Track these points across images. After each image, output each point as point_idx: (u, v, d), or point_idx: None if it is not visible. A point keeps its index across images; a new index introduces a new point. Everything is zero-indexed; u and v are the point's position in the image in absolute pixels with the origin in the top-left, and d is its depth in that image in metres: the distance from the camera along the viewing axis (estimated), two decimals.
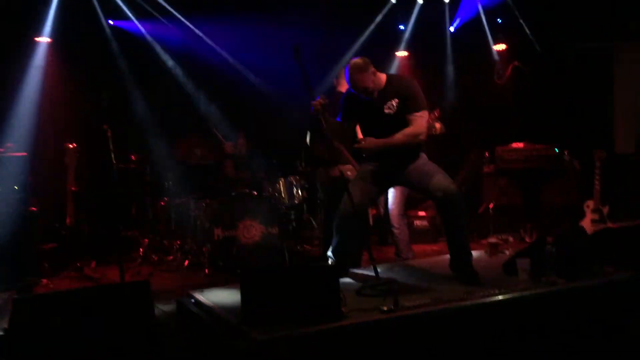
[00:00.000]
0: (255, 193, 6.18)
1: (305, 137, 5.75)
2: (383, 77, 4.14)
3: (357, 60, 4.10)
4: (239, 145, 6.74)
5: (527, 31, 7.36)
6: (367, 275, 4.01)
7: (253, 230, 5.87)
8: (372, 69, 4.05)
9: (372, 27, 7.49)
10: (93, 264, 5.81)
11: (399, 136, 4.03)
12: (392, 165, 4.19)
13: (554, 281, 3.70)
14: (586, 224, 6.11)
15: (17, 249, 5.23)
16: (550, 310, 3.61)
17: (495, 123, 7.80)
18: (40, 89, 6.19)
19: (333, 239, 4.38)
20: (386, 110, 4.06)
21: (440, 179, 4.05)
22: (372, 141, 4.09)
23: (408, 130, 4.03)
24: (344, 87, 5.36)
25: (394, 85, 4.11)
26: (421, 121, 4.06)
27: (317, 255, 6.29)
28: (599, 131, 7.33)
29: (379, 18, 7.47)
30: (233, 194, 5.96)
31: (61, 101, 6.50)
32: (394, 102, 4.05)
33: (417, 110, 4.04)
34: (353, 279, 4.14)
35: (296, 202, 6.28)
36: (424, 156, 4.23)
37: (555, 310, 3.62)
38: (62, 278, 5.58)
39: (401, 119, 4.05)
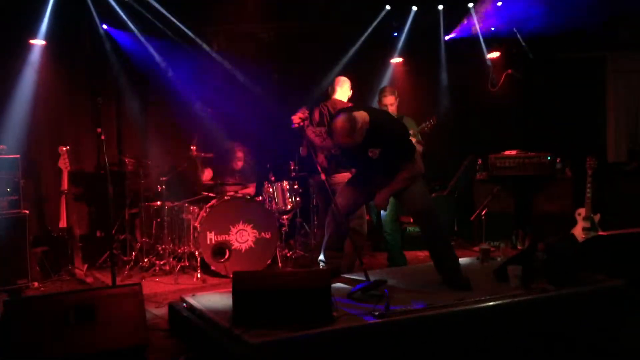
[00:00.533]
0: (249, 197, 6.19)
1: (300, 148, 5.80)
2: (365, 117, 3.93)
3: (343, 122, 3.88)
4: (238, 160, 6.71)
5: (521, 40, 7.41)
6: (359, 280, 4.02)
7: (246, 235, 5.88)
8: (359, 124, 3.85)
9: (366, 34, 7.51)
10: (85, 268, 5.79)
11: (401, 178, 4.11)
12: (378, 187, 4.26)
13: (544, 288, 3.72)
14: (577, 231, 6.14)
15: (8, 251, 5.22)
16: (540, 316, 3.63)
17: (488, 130, 7.84)
18: (34, 92, 6.17)
19: (324, 245, 4.42)
20: (370, 154, 4.03)
21: (417, 199, 4.18)
22: (383, 196, 4.15)
23: (405, 175, 4.10)
24: (338, 94, 5.40)
25: (377, 132, 3.94)
26: (412, 166, 4.15)
27: (309, 261, 6.30)
28: (591, 139, 7.38)
29: (373, 25, 7.49)
30: (226, 198, 5.97)
31: (55, 104, 6.48)
32: (377, 151, 3.99)
33: (407, 161, 4.12)
34: (345, 283, 4.15)
35: (289, 207, 6.29)
36: (408, 168, 4.17)
37: (545, 317, 3.64)
38: (53, 281, 5.57)
39: (385, 161, 4.06)
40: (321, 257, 4.50)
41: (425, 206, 4.20)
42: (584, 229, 6.14)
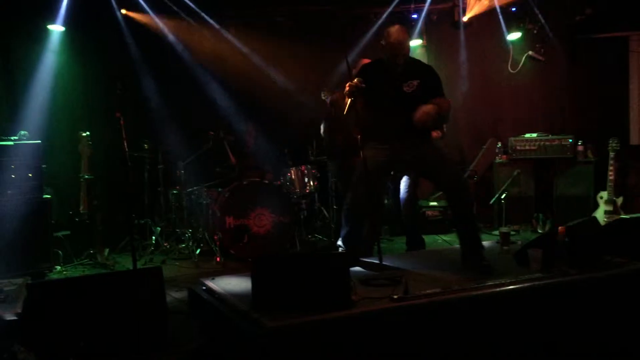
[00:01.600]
0: (267, 182, 6.20)
1: (320, 127, 5.77)
2: None
3: (403, 26, 4.17)
4: (247, 137, 6.73)
5: (542, 21, 7.27)
6: (378, 264, 4.01)
7: (264, 219, 5.90)
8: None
9: (384, 15, 7.43)
10: (106, 252, 5.86)
11: (444, 104, 4.08)
12: (404, 148, 4.15)
13: (565, 271, 3.67)
14: (599, 214, 6.07)
15: (30, 236, 5.30)
16: (561, 300, 3.59)
17: (508, 113, 7.74)
18: (54, 77, 6.21)
19: (343, 228, 4.40)
20: (405, 89, 4.09)
21: (450, 170, 4.12)
22: (425, 110, 3.98)
23: (447, 103, 4.12)
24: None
25: (416, 66, 4.21)
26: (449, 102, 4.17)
27: (327, 245, 6.31)
28: (613, 122, 7.25)
29: (391, 7, 7.40)
30: (245, 182, 5.98)
31: (74, 89, 6.53)
32: (415, 82, 4.09)
33: (443, 97, 4.16)
34: (363, 267, 4.15)
35: (307, 191, 6.29)
36: (433, 142, 4.29)
37: (566, 301, 3.60)
38: (75, 265, 5.64)
39: (417, 100, 4.05)
40: (339, 241, 4.49)
41: (459, 177, 4.16)
42: (606, 212, 6.07)
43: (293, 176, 6.27)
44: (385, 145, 4.18)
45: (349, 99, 3.96)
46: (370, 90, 4.11)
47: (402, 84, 4.10)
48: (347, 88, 3.97)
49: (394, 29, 4.14)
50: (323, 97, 5.90)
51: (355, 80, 4.00)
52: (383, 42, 4.17)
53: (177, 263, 5.80)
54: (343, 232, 4.40)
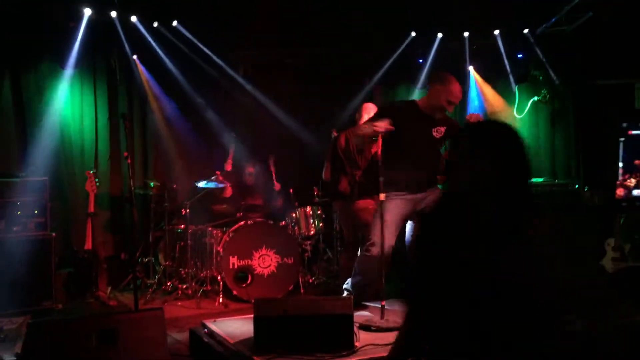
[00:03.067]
0: (272, 222, 6.19)
1: (323, 170, 5.79)
2: None
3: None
4: (247, 175, 6.76)
5: (548, 67, 7.36)
6: (382, 309, 3.96)
7: (269, 260, 5.86)
8: None
9: (391, 60, 7.54)
10: (108, 290, 5.82)
11: None
12: (423, 198, 4.24)
13: (572, 321, 3.61)
14: (607, 262, 6.00)
15: (34, 273, 5.27)
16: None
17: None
18: (63, 115, 6.29)
19: (355, 275, 4.35)
20: (434, 133, 4.14)
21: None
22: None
23: None
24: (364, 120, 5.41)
25: (443, 116, 4.27)
26: None
27: (332, 287, 6.24)
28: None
29: (398, 51, 7.51)
30: (249, 222, 5.97)
31: (83, 127, 6.59)
32: (442, 129, 4.15)
33: None
34: (368, 312, 4.10)
35: (312, 232, 6.27)
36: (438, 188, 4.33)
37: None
38: (77, 303, 5.59)
39: (440, 146, 4.20)
40: (346, 285, 4.45)
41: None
42: (613, 259, 6.00)
43: (298, 217, 6.26)
44: (409, 196, 4.20)
45: (378, 138, 3.95)
46: (399, 133, 4.04)
47: (431, 128, 4.15)
48: (376, 128, 3.91)
49: (454, 79, 4.11)
50: (334, 136, 5.92)
51: (385, 122, 3.94)
52: (439, 86, 4.08)
53: (180, 303, 5.75)
54: (355, 279, 4.36)
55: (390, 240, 4.16)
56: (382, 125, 3.90)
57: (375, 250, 4.19)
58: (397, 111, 4.17)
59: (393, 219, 4.11)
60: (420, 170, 4.17)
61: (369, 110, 5.39)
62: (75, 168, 6.43)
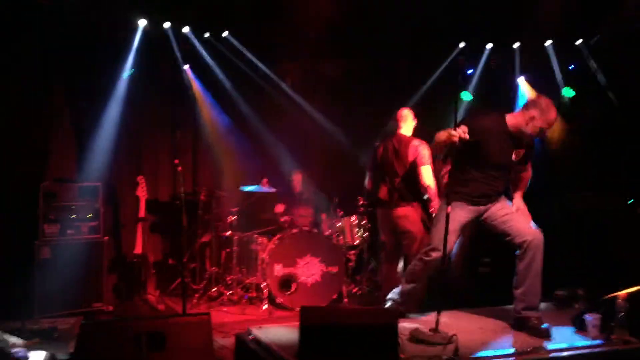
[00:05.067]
0: (316, 231, 6.21)
1: (365, 179, 5.80)
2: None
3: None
4: (294, 183, 6.83)
5: (602, 79, 7.17)
6: (427, 321, 3.92)
7: (313, 269, 5.89)
8: None
9: (439, 70, 7.48)
10: (157, 294, 5.95)
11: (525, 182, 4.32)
12: (485, 210, 4.16)
13: (627, 340, 3.51)
14: None
15: (86, 275, 5.46)
16: None
17: (566, 170, 7.57)
18: (118, 123, 6.46)
19: (407, 283, 4.31)
20: (514, 155, 4.06)
21: (526, 224, 4.06)
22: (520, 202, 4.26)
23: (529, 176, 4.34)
24: (403, 130, 5.41)
25: (526, 135, 4.05)
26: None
27: (376, 297, 6.22)
28: None
29: (447, 61, 7.46)
30: (295, 231, 6.01)
31: (136, 135, 6.78)
32: (522, 152, 4.09)
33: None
34: (413, 324, 4.06)
35: (357, 242, 6.26)
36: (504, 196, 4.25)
37: None
38: (127, 306, 5.73)
39: (511, 167, 4.15)
40: (392, 295, 4.42)
41: (537, 232, 4.00)
42: None
43: (343, 226, 6.26)
44: (473, 207, 4.13)
45: (449, 143, 3.85)
46: (478, 144, 3.93)
47: (513, 150, 4.05)
48: (452, 137, 3.76)
49: (553, 107, 3.94)
50: (375, 145, 5.92)
51: (462, 129, 3.80)
52: (536, 113, 3.88)
53: (225, 309, 5.82)
54: (407, 287, 4.32)
55: (449, 246, 4.09)
56: (458, 133, 3.75)
57: (435, 255, 4.10)
58: (482, 122, 4.02)
59: (454, 227, 4.00)
60: (491, 185, 4.09)
61: (405, 117, 5.43)
62: (126, 174, 6.60)
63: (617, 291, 3.69)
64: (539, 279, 3.95)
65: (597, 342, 3.54)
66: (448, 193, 4.04)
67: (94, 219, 5.65)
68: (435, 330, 3.64)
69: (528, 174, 4.33)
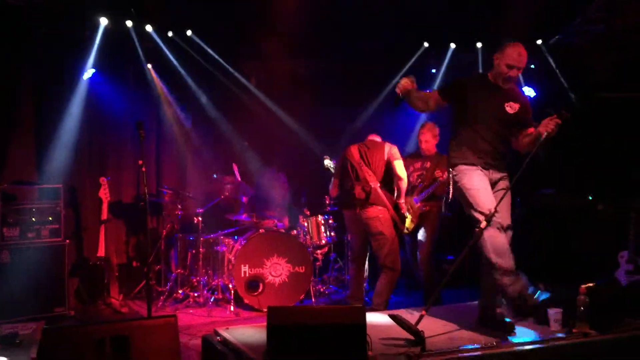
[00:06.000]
0: (283, 231, 6.20)
1: (330, 186, 5.83)
2: None
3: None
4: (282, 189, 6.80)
5: (561, 78, 7.35)
6: (395, 318, 3.94)
7: (280, 269, 5.87)
8: None
9: (403, 70, 7.56)
10: (120, 297, 5.85)
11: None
12: (489, 171, 3.96)
13: (586, 333, 3.60)
14: (620, 275, 5.95)
15: (47, 279, 5.33)
16: None
17: (527, 169, 7.71)
18: (78, 123, 6.34)
19: (503, 277, 3.79)
20: (507, 109, 3.93)
21: (508, 217, 3.92)
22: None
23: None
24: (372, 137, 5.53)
25: (516, 90, 4.07)
26: None
27: (343, 296, 6.25)
28: (634, 180, 7.19)
29: (411, 61, 7.54)
30: (261, 231, 5.99)
31: (97, 135, 6.65)
32: (516, 105, 3.94)
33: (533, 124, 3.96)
34: (381, 321, 4.09)
35: (323, 242, 6.28)
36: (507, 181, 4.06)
37: None
38: (90, 310, 5.63)
39: (511, 124, 3.97)
40: (500, 302, 4.06)
41: (510, 225, 3.89)
42: (627, 272, 5.95)
43: (310, 226, 6.27)
44: (480, 170, 3.94)
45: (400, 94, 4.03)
46: (462, 100, 3.98)
47: (504, 103, 3.96)
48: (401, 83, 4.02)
49: (512, 43, 3.92)
50: (326, 164, 5.95)
51: (405, 79, 4.05)
52: (497, 54, 3.94)
53: (191, 311, 5.77)
54: (506, 281, 3.82)
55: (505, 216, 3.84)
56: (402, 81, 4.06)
57: (497, 223, 3.75)
58: (464, 84, 4.08)
59: (483, 185, 3.88)
60: (490, 145, 3.94)
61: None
62: (88, 175, 6.48)
63: (578, 286, 3.77)
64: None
65: (559, 335, 3.62)
66: (453, 159, 3.98)
67: (55, 221, 5.53)
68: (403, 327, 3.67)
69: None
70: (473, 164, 3.93)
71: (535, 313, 3.90)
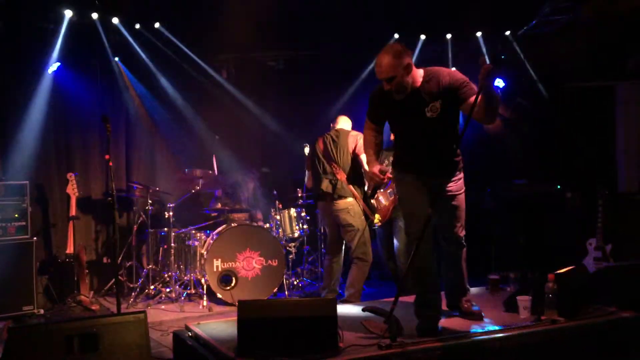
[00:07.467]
0: (255, 225, 6.17)
1: (305, 178, 5.82)
2: (420, 72, 3.58)
3: (394, 44, 3.60)
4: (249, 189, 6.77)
5: (530, 68, 7.43)
6: (367, 309, 3.95)
7: (253, 263, 5.85)
8: (407, 60, 3.47)
9: (374, 61, 7.54)
10: (91, 294, 5.77)
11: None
12: (432, 175, 3.66)
13: (554, 319, 3.65)
14: (588, 262, 6.06)
15: (14, 277, 5.23)
16: (550, 348, 3.56)
17: (496, 159, 7.81)
18: (44, 118, 6.23)
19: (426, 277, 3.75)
20: (428, 114, 3.51)
21: (460, 227, 3.84)
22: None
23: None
24: (340, 125, 5.51)
25: (433, 83, 3.54)
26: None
27: (317, 289, 6.25)
28: (601, 169, 7.32)
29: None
30: (233, 225, 5.95)
31: (64, 130, 6.53)
32: (437, 104, 3.51)
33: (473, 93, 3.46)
34: (353, 313, 4.10)
35: (296, 234, 6.26)
36: (462, 182, 3.84)
37: (555, 349, 3.57)
38: (59, 308, 5.54)
39: (446, 121, 3.58)
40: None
41: (464, 223, 3.86)
42: (595, 259, 6.06)
43: (282, 219, 6.25)
44: (411, 171, 3.72)
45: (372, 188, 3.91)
46: (385, 118, 3.76)
47: (424, 109, 3.53)
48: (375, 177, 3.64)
49: (379, 54, 3.55)
50: (307, 153, 5.92)
51: (376, 169, 3.65)
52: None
53: (163, 307, 5.71)
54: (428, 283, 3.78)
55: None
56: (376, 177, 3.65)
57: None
58: (375, 103, 3.76)
59: (411, 195, 3.68)
60: (425, 155, 3.66)
61: (342, 119, 5.62)
62: (56, 171, 6.36)
63: (547, 273, 3.83)
64: (465, 264, 4.01)
65: (527, 323, 3.67)
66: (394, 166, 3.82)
67: (22, 218, 5.42)
68: (374, 317, 3.68)
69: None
70: (407, 172, 3.74)
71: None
